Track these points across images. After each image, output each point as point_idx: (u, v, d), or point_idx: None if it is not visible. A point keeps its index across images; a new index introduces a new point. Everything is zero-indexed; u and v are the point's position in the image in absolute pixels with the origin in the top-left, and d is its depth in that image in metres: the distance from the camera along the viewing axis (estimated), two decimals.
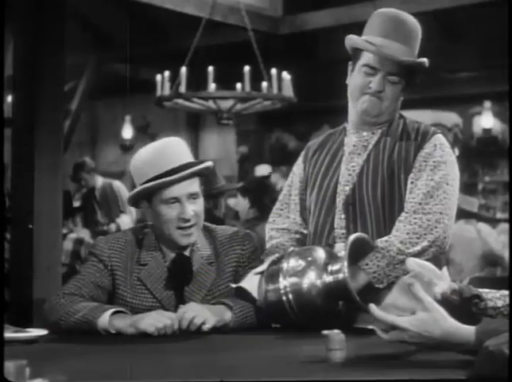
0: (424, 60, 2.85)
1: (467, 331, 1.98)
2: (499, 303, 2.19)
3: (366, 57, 2.82)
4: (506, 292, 2.20)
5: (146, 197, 2.75)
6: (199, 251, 2.79)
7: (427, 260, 2.70)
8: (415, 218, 2.72)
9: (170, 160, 2.73)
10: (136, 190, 2.76)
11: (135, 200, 2.80)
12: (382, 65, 2.80)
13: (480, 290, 2.23)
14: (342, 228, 2.81)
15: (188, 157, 2.77)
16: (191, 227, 2.73)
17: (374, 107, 2.84)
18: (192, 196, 2.73)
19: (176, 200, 2.72)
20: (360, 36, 2.88)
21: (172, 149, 2.77)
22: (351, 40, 2.86)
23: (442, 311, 2.03)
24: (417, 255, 2.69)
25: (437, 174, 2.77)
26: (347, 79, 2.90)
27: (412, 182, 2.78)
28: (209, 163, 2.79)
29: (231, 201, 6.11)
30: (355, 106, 2.87)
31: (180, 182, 2.71)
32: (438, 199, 2.74)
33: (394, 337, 2.02)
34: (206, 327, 2.56)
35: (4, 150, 2.19)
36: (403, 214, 2.75)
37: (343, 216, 2.83)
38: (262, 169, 8.50)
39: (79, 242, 5.77)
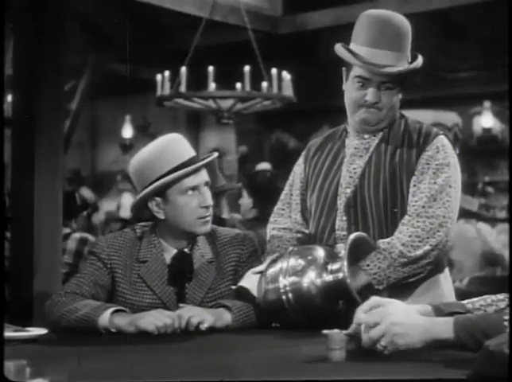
0: (416, 64, 2.80)
1: (445, 324, 1.99)
2: (490, 310, 2.16)
3: (357, 68, 2.78)
4: (501, 296, 2.17)
5: (159, 194, 2.75)
6: (199, 250, 2.79)
7: (428, 264, 2.71)
8: (418, 221, 2.71)
9: (180, 153, 2.75)
10: (155, 185, 2.74)
11: (145, 201, 2.78)
12: (374, 75, 2.76)
13: (466, 301, 2.19)
14: (343, 229, 2.80)
15: (192, 151, 2.80)
16: (209, 215, 2.76)
17: (373, 117, 2.81)
18: (207, 185, 2.76)
19: (196, 188, 2.73)
20: (350, 39, 2.83)
21: (179, 143, 2.79)
22: (339, 52, 2.81)
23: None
24: (419, 258, 2.68)
25: (440, 177, 2.75)
26: (343, 85, 2.86)
27: (414, 185, 2.76)
28: (217, 154, 2.82)
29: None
30: (353, 117, 2.84)
31: (198, 171, 2.74)
32: (441, 202, 2.73)
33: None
34: (203, 326, 2.56)
35: (4, 150, 2.19)
36: (406, 217, 2.74)
37: (344, 218, 2.82)
38: (264, 166, 8.48)
39: (83, 241, 5.78)
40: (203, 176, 2.77)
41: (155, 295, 2.75)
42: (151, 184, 2.74)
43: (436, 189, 2.74)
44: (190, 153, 2.78)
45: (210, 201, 2.76)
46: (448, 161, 2.78)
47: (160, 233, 2.81)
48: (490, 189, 8.85)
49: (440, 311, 2.12)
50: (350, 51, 2.79)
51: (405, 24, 2.81)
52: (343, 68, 2.84)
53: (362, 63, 2.76)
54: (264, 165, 8.25)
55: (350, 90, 2.82)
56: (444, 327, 1.99)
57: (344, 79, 2.85)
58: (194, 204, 2.74)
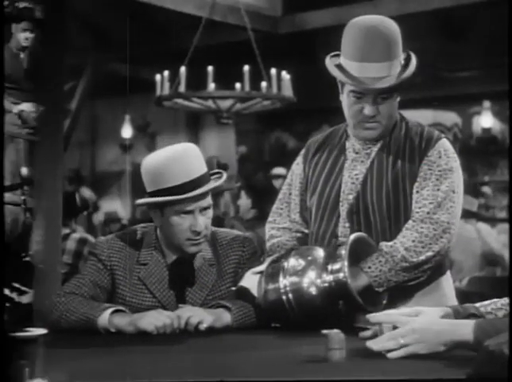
0: (409, 71, 2.73)
1: (465, 327, 2.01)
2: (500, 314, 2.18)
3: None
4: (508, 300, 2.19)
5: (159, 206, 2.74)
6: (200, 253, 2.79)
7: (429, 268, 2.70)
8: (422, 227, 2.70)
9: (185, 171, 2.69)
10: (150, 200, 2.73)
11: (145, 206, 2.78)
12: (368, 90, 2.71)
13: (479, 304, 2.21)
14: (346, 236, 2.75)
15: (203, 166, 2.75)
16: (200, 238, 2.74)
17: (373, 134, 2.78)
18: (205, 210, 2.73)
19: (190, 212, 2.71)
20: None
21: (187, 159, 2.72)
22: (330, 69, 2.75)
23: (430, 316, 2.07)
24: (421, 264, 2.68)
25: (444, 183, 2.73)
26: (340, 96, 2.80)
27: (417, 191, 2.74)
28: (225, 176, 2.79)
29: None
30: (354, 131, 2.81)
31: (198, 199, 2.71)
32: (445, 208, 2.71)
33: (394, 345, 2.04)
34: (203, 326, 2.56)
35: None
36: (410, 222, 2.73)
37: (347, 225, 2.80)
38: (279, 171, 8.49)
39: (82, 242, 5.78)
40: (203, 201, 2.72)
41: (155, 298, 2.74)
42: (152, 192, 2.73)
43: (440, 195, 2.72)
44: (198, 170, 2.72)
45: (201, 227, 2.71)
46: (450, 166, 2.76)
47: (164, 239, 2.80)
48: (486, 189, 8.85)
49: (458, 313, 2.16)
50: (340, 68, 2.74)
51: (393, 29, 2.73)
52: (338, 80, 2.78)
53: (353, 81, 2.71)
54: (279, 170, 8.26)
55: (346, 103, 2.77)
56: (465, 329, 2.01)
57: (340, 90, 2.80)
58: (185, 227, 2.71)
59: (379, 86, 2.70)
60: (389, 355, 2.03)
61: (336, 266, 2.57)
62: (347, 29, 2.75)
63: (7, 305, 3.81)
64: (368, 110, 2.74)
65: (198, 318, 2.57)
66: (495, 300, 2.21)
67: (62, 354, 2.34)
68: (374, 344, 2.06)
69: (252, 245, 2.86)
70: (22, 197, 4.01)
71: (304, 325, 2.55)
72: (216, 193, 5.00)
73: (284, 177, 7.56)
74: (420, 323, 2.05)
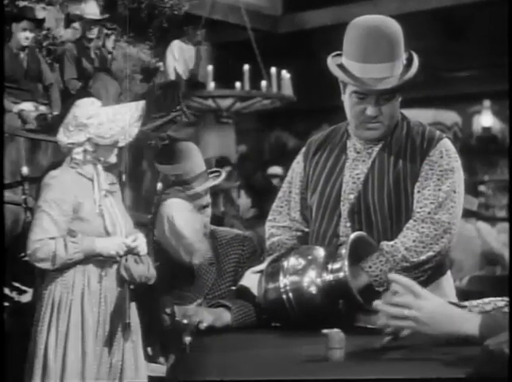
0: (411, 73, 2.71)
1: (472, 319, 2.00)
2: (488, 308, 2.17)
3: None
4: (499, 298, 2.18)
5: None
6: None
7: (430, 268, 2.70)
8: (423, 227, 2.69)
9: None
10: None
11: None
12: (371, 91, 2.69)
13: (467, 302, 2.20)
14: (347, 235, 2.72)
15: (202, 165, 2.75)
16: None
17: (375, 134, 2.77)
18: (203, 207, 2.74)
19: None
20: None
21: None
22: (332, 69, 2.72)
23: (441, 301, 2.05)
24: (421, 264, 2.67)
25: (445, 183, 2.73)
26: (341, 96, 2.78)
27: (418, 191, 2.73)
28: (224, 175, 2.79)
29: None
30: (356, 131, 2.79)
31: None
32: (446, 208, 2.71)
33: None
34: (203, 326, 2.56)
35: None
36: (411, 221, 2.72)
37: (348, 225, 2.79)
38: (275, 170, 8.50)
39: None
40: (202, 200, 2.74)
41: None
42: None
43: (441, 196, 2.71)
44: (198, 168, 2.74)
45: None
46: (451, 166, 2.75)
47: None
48: (486, 188, 8.86)
49: None
50: (342, 68, 2.71)
51: (395, 29, 2.71)
52: (340, 80, 2.76)
53: (355, 82, 2.69)
54: (275, 170, 8.26)
55: (348, 104, 2.76)
56: (470, 323, 1.98)
57: (342, 91, 2.78)
58: None
59: (382, 87, 2.69)
60: (379, 322, 2.01)
61: (337, 265, 2.56)
62: (348, 30, 2.73)
63: (7, 304, 3.82)
64: (371, 111, 2.72)
65: (198, 317, 2.57)
66: (485, 300, 2.20)
67: None
68: (379, 305, 2.02)
69: (252, 244, 2.86)
70: (23, 197, 4.02)
71: (304, 324, 2.54)
72: (215, 192, 5.00)
73: (280, 176, 7.56)
74: (432, 306, 2.00)
